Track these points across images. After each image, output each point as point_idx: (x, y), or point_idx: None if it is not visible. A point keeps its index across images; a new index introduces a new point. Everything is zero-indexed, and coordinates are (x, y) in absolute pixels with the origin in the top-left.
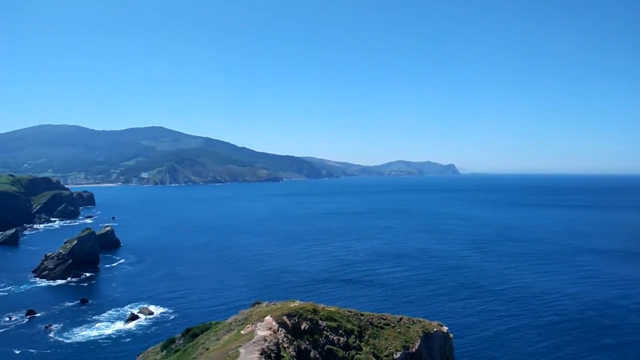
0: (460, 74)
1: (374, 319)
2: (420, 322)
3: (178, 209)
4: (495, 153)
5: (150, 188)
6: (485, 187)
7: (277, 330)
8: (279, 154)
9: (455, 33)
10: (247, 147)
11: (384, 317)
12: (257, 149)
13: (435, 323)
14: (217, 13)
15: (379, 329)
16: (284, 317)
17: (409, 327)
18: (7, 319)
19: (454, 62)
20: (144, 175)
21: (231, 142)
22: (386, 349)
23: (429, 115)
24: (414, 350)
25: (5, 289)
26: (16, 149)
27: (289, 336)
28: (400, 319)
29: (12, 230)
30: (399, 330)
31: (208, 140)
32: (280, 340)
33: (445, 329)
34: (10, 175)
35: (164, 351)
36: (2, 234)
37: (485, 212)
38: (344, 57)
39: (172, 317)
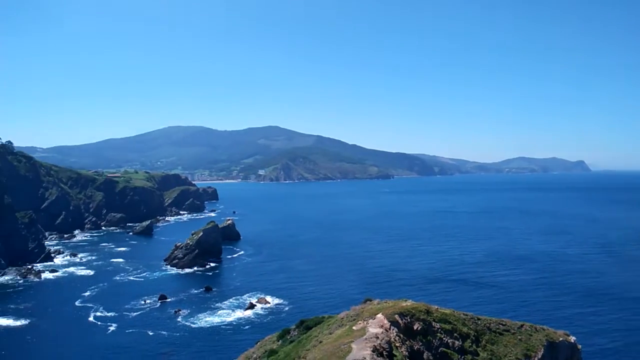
0: (592, 61)
1: (491, 324)
2: (543, 329)
3: (292, 204)
4: (634, 149)
5: (266, 184)
6: (621, 187)
7: (389, 329)
8: (390, 151)
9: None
10: (357, 144)
11: (503, 323)
12: (368, 146)
13: (560, 332)
14: (329, 13)
15: (498, 334)
16: (396, 316)
17: (530, 335)
18: (143, 302)
19: (585, 48)
20: (261, 172)
21: (342, 140)
22: (505, 356)
23: (553, 108)
24: (536, 359)
25: (141, 275)
26: (151, 148)
27: (401, 335)
28: (522, 325)
29: (148, 222)
30: (519, 337)
31: (319, 139)
32: (392, 339)
33: (572, 339)
34: (146, 172)
35: (280, 341)
36: (139, 225)
37: (619, 213)
38: (458, 46)
39: (286, 308)
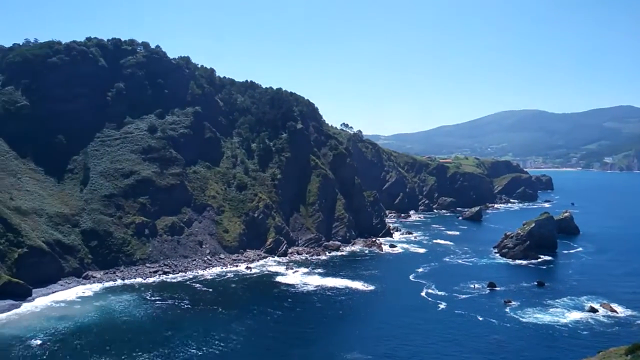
0: None
1: None
2: None
3: None
4: None
5: (614, 174)
6: None
7: None
8: None
9: None
10: None
11: None
12: None
13: None
14: None
15: None
16: None
17: None
18: (472, 286)
19: None
20: (608, 159)
21: None
22: None
23: None
24: None
25: (469, 259)
26: (482, 134)
27: None
28: None
29: (477, 208)
30: None
31: None
32: None
33: None
34: (476, 158)
35: (629, 356)
36: (468, 210)
37: None
38: None
39: (638, 321)
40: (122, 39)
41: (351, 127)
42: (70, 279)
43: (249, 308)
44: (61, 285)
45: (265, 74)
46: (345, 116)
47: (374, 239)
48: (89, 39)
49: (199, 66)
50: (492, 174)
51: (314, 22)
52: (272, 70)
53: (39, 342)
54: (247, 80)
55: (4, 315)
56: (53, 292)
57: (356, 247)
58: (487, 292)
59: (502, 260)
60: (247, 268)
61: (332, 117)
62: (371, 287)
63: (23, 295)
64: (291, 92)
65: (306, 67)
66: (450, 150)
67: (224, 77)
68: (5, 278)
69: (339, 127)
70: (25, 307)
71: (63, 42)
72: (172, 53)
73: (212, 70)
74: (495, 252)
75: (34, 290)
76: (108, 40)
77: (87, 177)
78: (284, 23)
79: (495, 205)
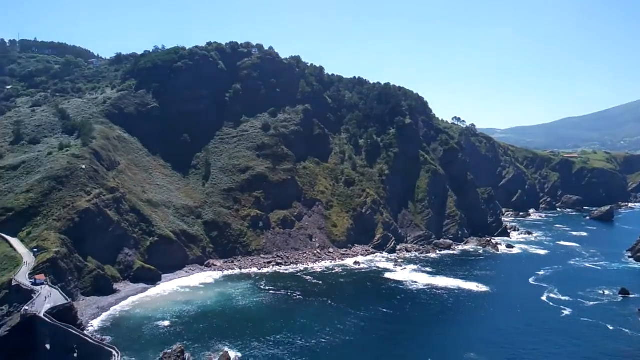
0: None
1: None
2: None
3: None
4: None
5: None
6: None
7: None
8: None
9: None
10: None
11: None
12: None
13: None
14: None
15: None
16: None
17: None
18: (600, 292)
19: None
20: None
21: None
22: None
23: None
24: None
25: (598, 263)
26: (613, 126)
27: None
28: None
29: (607, 207)
30: None
31: None
32: None
33: None
34: (607, 152)
35: None
36: (597, 209)
37: None
38: None
39: None
40: (239, 42)
41: (463, 121)
42: (194, 266)
43: (357, 303)
44: (186, 272)
45: (374, 69)
46: (457, 110)
47: (488, 239)
48: (209, 43)
49: (309, 65)
50: (626, 170)
51: (425, 13)
52: (380, 66)
53: (167, 323)
54: (355, 77)
55: (137, 297)
56: (179, 278)
57: (469, 247)
58: (619, 300)
59: (637, 265)
60: (356, 263)
61: (443, 111)
62: (485, 289)
63: (154, 279)
64: (400, 87)
65: (416, 60)
66: (576, 144)
67: (333, 74)
68: (139, 264)
69: (450, 121)
70: (155, 290)
71: (187, 48)
72: (284, 53)
73: (321, 69)
74: (629, 256)
75: (162, 275)
76: (226, 44)
77: (209, 172)
78: (394, 17)
79: (630, 205)
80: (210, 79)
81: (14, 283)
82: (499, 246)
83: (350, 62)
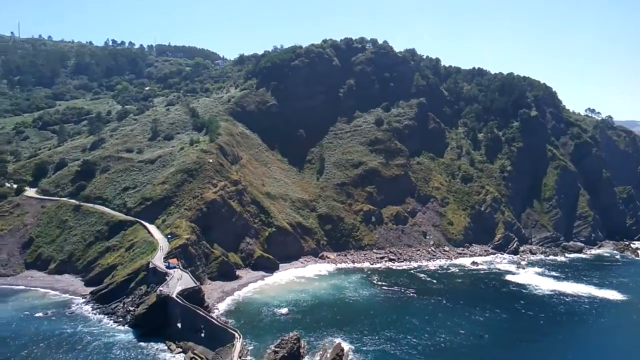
0: None
1: None
2: None
3: None
4: None
5: None
6: None
7: None
8: None
9: None
10: None
11: None
12: None
13: None
14: None
15: None
16: None
17: None
18: None
19: None
20: None
21: None
22: None
23: None
24: None
25: None
26: None
27: None
28: None
29: None
30: None
31: None
32: None
33: None
34: None
35: None
36: None
37: None
38: None
39: None
40: (353, 38)
41: (599, 113)
42: (309, 258)
43: (474, 305)
44: (301, 262)
45: (495, 59)
46: (591, 101)
47: (627, 242)
48: (324, 41)
49: (424, 57)
50: None
51: None
52: (502, 55)
53: (284, 310)
54: (474, 68)
55: (257, 284)
56: (295, 268)
57: (604, 250)
58: None
59: None
60: (473, 263)
61: (575, 101)
62: (624, 298)
63: (272, 268)
64: (524, 77)
65: (544, 46)
66: None
67: (450, 66)
68: (259, 252)
69: (583, 112)
70: (273, 278)
71: (304, 46)
72: (398, 47)
73: (437, 60)
74: None
75: (279, 265)
76: (341, 40)
77: (323, 167)
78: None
79: None
80: (325, 75)
81: (151, 265)
82: (638, 251)
83: (469, 52)
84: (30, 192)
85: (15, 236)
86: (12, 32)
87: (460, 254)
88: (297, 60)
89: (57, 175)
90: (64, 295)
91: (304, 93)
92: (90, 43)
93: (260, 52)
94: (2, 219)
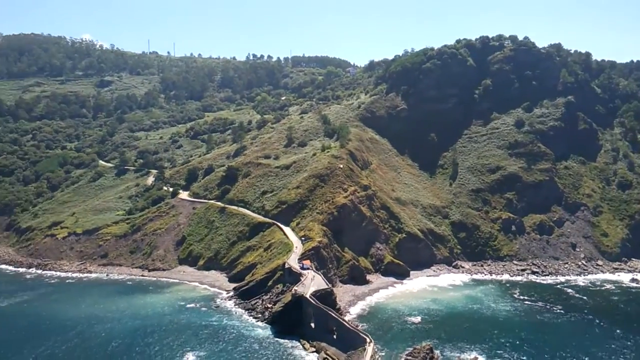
0: None
1: None
2: None
3: None
4: None
5: None
6: None
7: None
8: None
9: None
10: None
11: None
12: None
13: None
14: None
15: None
16: None
17: None
18: None
19: None
20: None
21: None
22: None
23: None
24: None
25: None
26: None
27: None
28: None
29: None
30: None
31: None
32: None
33: None
34: None
35: None
36: None
37: None
38: None
39: None
40: (490, 36)
41: None
42: (441, 266)
43: (634, 328)
44: (433, 270)
45: None
46: None
47: None
48: (458, 41)
49: (572, 52)
50: None
51: None
52: None
53: (416, 319)
54: (632, 61)
55: (388, 291)
56: (427, 276)
57: None
58: None
59: None
60: (633, 280)
61: None
62: None
63: (402, 275)
64: None
65: None
66: None
67: (603, 60)
68: (389, 258)
69: None
70: (404, 286)
71: (435, 48)
72: (541, 42)
73: (587, 55)
74: None
75: (410, 272)
76: (476, 39)
77: (456, 172)
78: None
79: None
80: (458, 76)
81: (286, 266)
82: None
83: (625, 44)
84: (184, 194)
85: (170, 234)
86: (168, 52)
87: (616, 269)
88: (429, 63)
89: (206, 180)
90: (211, 289)
91: (435, 96)
92: (234, 58)
93: (391, 57)
94: (161, 218)
